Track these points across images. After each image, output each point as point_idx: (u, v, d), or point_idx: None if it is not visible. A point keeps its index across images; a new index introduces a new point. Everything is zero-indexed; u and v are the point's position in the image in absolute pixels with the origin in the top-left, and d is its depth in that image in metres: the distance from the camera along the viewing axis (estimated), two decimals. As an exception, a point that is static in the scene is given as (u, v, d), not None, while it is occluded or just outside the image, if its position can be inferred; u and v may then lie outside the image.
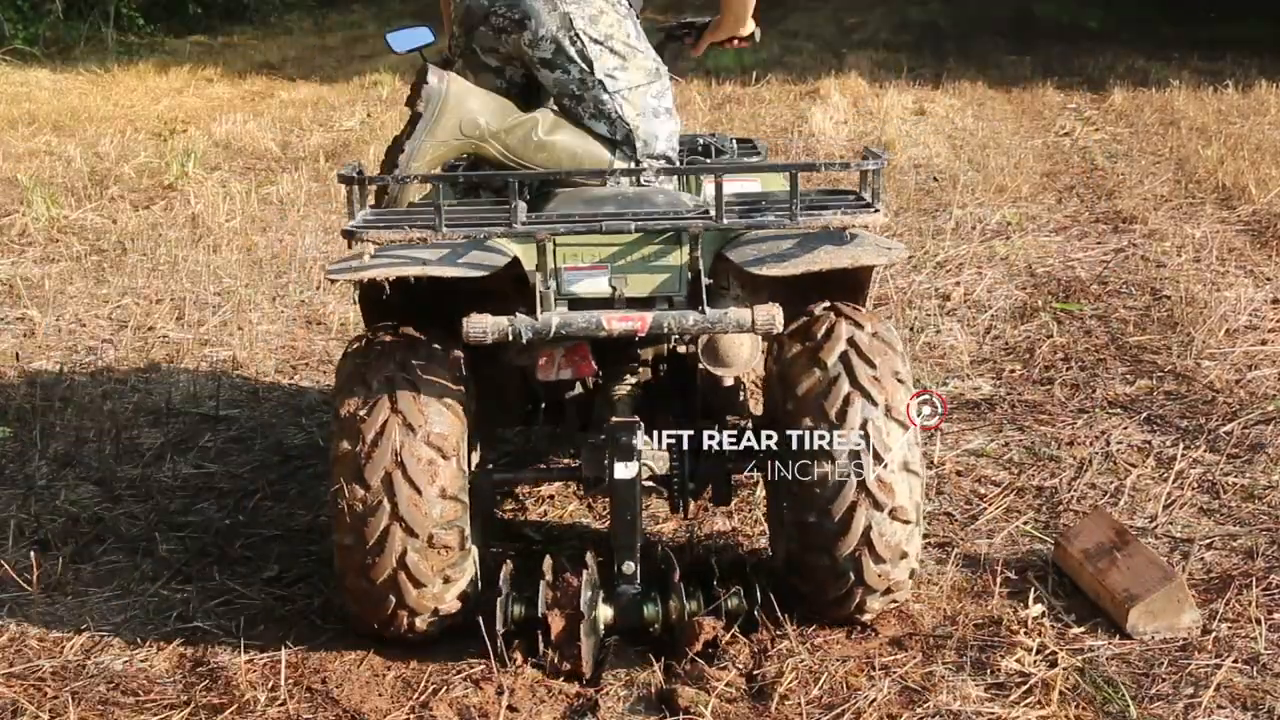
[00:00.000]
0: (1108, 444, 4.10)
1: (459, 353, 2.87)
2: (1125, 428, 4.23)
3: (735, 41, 3.58)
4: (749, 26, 3.52)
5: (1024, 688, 2.78)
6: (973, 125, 10.16)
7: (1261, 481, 3.82)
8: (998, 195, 7.55)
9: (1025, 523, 3.58)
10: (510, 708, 2.75)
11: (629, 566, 2.88)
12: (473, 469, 2.95)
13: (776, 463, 2.89)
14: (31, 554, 3.42)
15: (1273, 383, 4.59)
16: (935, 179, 8.11)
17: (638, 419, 2.87)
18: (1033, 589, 3.17)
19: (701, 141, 3.48)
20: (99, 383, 4.70)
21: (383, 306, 2.91)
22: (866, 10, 18.25)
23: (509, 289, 2.87)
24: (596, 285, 2.85)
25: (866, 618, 2.99)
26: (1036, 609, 3.06)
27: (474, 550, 2.93)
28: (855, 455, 2.77)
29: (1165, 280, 5.84)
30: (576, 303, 2.84)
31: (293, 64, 14.54)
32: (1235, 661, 2.88)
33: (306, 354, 5.06)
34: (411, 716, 2.75)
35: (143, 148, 9.15)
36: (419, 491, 2.74)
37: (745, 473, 3.11)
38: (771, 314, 2.72)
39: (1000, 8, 17.84)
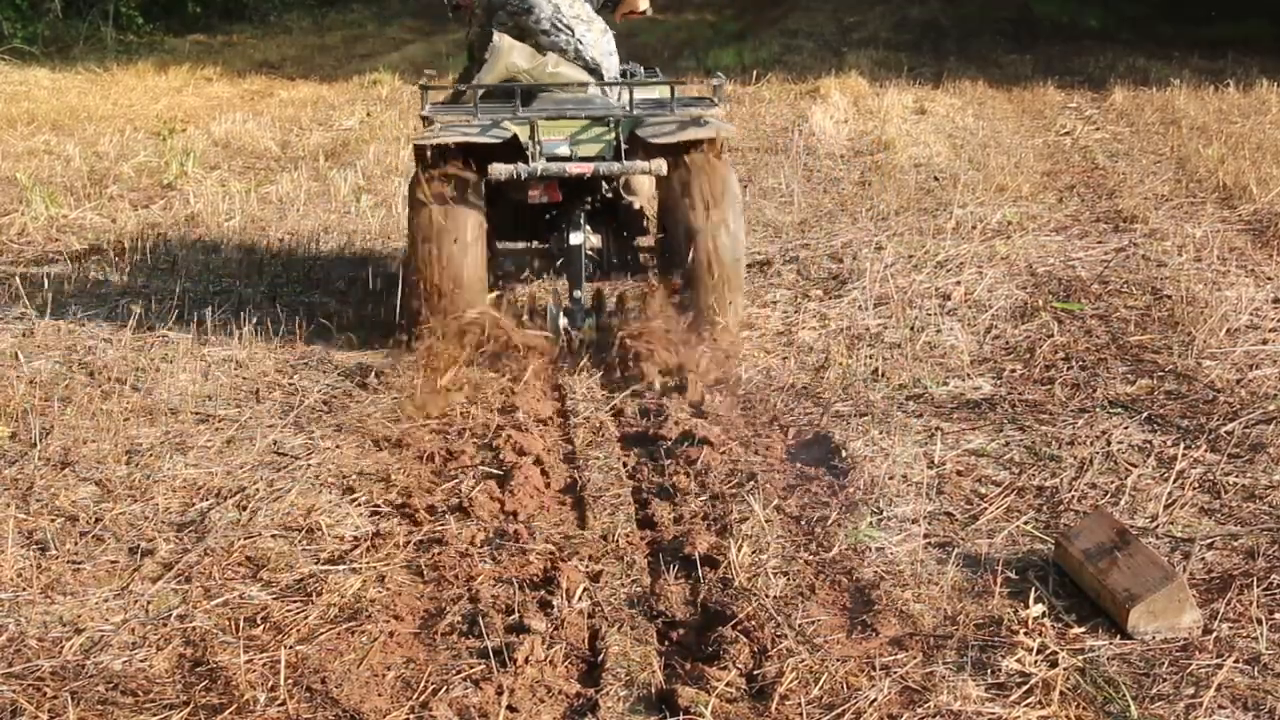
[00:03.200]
0: (1108, 444, 4.10)
1: (480, 183, 4.71)
2: (1126, 427, 4.23)
3: (633, 14, 5.32)
4: (643, 3, 5.25)
5: (1024, 688, 2.77)
6: (973, 124, 10.16)
7: (1263, 481, 3.82)
8: (998, 194, 7.55)
9: (1026, 522, 3.58)
10: (510, 708, 2.75)
11: (577, 294, 4.84)
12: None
13: (666, 244, 4.93)
14: (31, 554, 3.42)
15: (1274, 382, 4.59)
16: (936, 178, 8.11)
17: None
18: (1033, 589, 3.17)
19: (628, 70, 5.34)
20: (98, 382, 4.69)
21: (433, 159, 4.72)
22: (866, 9, 18.26)
23: (508, 151, 4.68)
24: (562, 149, 4.72)
25: (714, 334, 4.68)
26: (1037, 609, 3.06)
27: (488, 294, 4.73)
28: (708, 233, 4.66)
29: (1166, 280, 5.83)
30: (551, 159, 4.67)
31: (292, 63, 14.54)
32: (1236, 661, 2.87)
33: (306, 354, 5.06)
34: (411, 716, 2.75)
35: (142, 147, 9.15)
36: (456, 254, 4.59)
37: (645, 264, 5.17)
38: (660, 163, 4.65)
39: (1001, 7, 17.85)
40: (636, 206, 5.15)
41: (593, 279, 5.05)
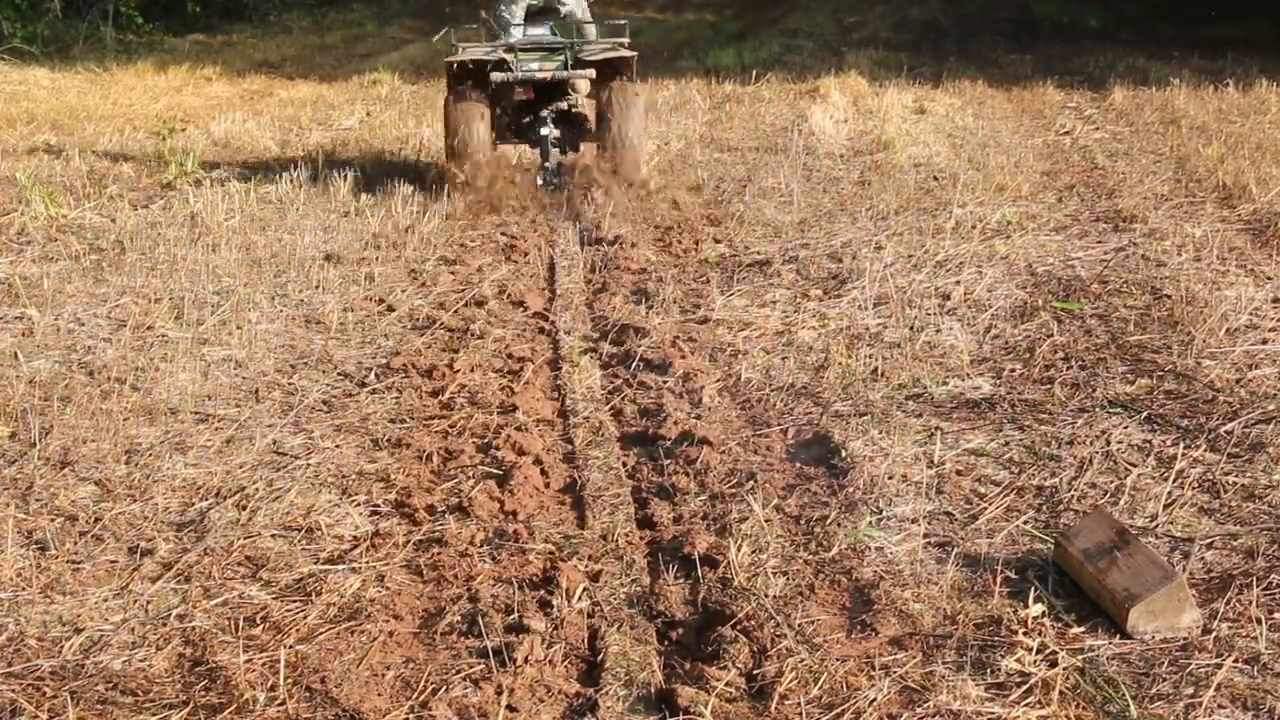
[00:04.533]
0: (1108, 443, 4.10)
1: (485, 90, 7.53)
2: (1125, 427, 4.23)
3: None
4: None
5: (1024, 687, 2.78)
6: (973, 124, 10.16)
7: (1262, 481, 3.82)
8: (998, 194, 7.55)
9: (1025, 522, 3.58)
10: (510, 708, 2.75)
11: (547, 165, 7.77)
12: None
13: (602, 130, 7.70)
14: (31, 554, 3.43)
15: (1273, 382, 4.59)
16: (935, 178, 8.10)
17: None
18: (1033, 588, 3.17)
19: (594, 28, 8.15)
20: (98, 382, 4.69)
21: (455, 76, 7.59)
22: (866, 9, 18.25)
23: (501, 67, 7.46)
24: (534, 66, 7.49)
25: (629, 185, 7.52)
26: (1037, 609, 3.06)
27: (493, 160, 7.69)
28: (621, 125, 7.51)
29: (1165, 279, 5.83)
30: (526, 70, 7.49)
31: (292, 63, 14.54)
32: (1236, 661, 2.88)
33: (305, 353, 5.06)
34: (411, 716, 2.75)
35: (141, 147, 9.15)
36: (473, 132, 7.41)
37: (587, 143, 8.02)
38: (591, 71, 7.57)
39: (1001, 7, 17.84)
40: (582, 111, 7.92)
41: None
